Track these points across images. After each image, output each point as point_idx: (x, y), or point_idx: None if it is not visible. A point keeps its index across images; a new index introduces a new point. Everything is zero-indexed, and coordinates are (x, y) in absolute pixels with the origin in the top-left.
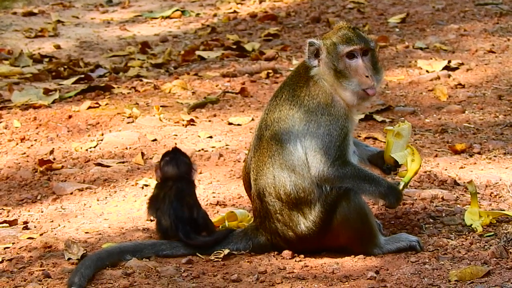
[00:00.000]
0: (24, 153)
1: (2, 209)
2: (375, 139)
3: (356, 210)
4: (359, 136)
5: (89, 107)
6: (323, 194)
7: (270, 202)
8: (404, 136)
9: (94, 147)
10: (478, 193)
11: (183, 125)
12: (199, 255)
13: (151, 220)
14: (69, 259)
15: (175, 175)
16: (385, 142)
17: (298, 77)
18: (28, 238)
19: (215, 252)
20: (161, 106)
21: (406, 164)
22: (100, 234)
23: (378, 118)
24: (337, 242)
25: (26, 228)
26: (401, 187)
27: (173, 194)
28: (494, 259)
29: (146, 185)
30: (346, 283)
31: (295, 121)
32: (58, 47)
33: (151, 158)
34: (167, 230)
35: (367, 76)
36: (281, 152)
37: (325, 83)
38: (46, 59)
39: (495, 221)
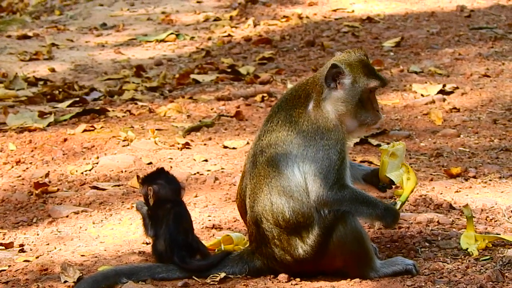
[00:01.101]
0: (20, 176)
1: None
2: (371, 162)
3: (353, 233)
4: (355, 160)
5: (84, 130)
6: (321, 218)
7: (268, 228)
8: (399, 156)
9: (90, 170)
10: (474, 217)
11: (178, 148)
12: (195, 278)
13: (147, 243)
14: (65, 282)
15: (172, 198)
16: (380, 162)
17: (295, 101)
18: (24, 261)
19: (211, 275)
20: (156, 130)
21: (402, 183)
22: (96, 257)
23: (373, 141)
24: (333, 265)
25: (22, 251)
26: (398, 207)
27: (171, 218)
28: (490, 283)
29: None
30: None
31: (293, 146)
32: (52, 70)
33: None
34: (162, 254)
35: (377, 111)
36: (279, 178)
37: (330, 107)
38: (41, 82)
39: (491, 245)
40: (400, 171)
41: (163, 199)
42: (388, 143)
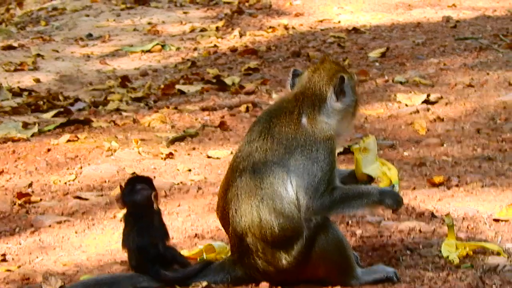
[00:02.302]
0: (3, 186)
1: None
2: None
3: (334, 242)
4: None
5: (68, 141)
6: (308, 229)
7: (252, 242)
8: (371, 149)
9: (73, 180)
10: (455, 225)
11: (162, 158)
12: (177, 287)
13: None
14: None
15: (135, 206)
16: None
17: (286, 116)
18: (6, 271)
19: (193, 284)
20: (140, 140)
21: (383, 175)
22: (78, 266)
23: None
24: (315, 274)
25: (4, 260)
26: (397, 189)
27: (136, 230)
28: None
29: None
30: None
31: (290, 162)
32: (37, 80)
33: None
34: (136, 267)
35: None
36: (272, 195)
37: (327, 119)
38: (26, 93)
39: (472, 253)
40: (376, 164)
41: (130, 209)
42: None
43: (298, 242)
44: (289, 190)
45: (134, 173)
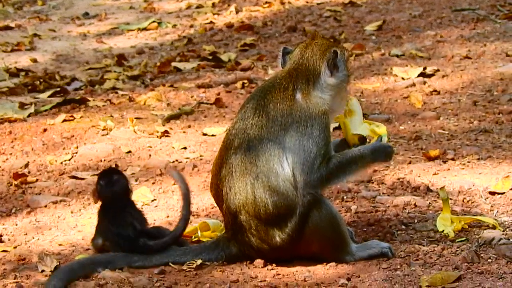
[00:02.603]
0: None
1: None
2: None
3: (328, 218)
4: None
5: (64, 120)
6: (302, 206)
7: (246, 219)
8: (356, 111)
9: (69, 160)
10: (451, 199)
11: (157, 136)
12: (171, 265)
13: None
14: (42, 271)
15: (113, 197)
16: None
17: (280, 92)
18: (2, 251)
19: (187, 262)
20: (135, 118)
21: (372, 134)
22: (73, 246)
23: None
24: (309, 251)
25: (0, 241)
26: (385, 140)
27: (114, 221)
28: (465, 264)
29: None
30: None
31: (285, 139)
32: (34, 60)
33: (125, 170)
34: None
35: None
36: (267, 173)
37: (322, 94)
38: (23, 73)
39: (467, 227)
40: (364, 125)
41: (107, 200)
42: None
43: (292, 220)
44: (285, 167)
45: (129, 151)
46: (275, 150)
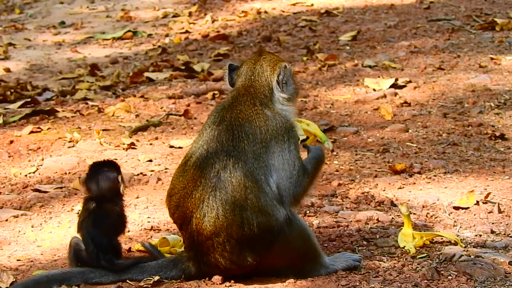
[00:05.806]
0: None
1: None
2: None
3: (298, 232)
4: None
5: (31, 132)
6: (279, 223)
7: (221, 241)
8: None
9: (34, 172)
10: (414, 213)
11: (123, 149)
12: (129, 282)
13: None
14: None
15: (96, 193)
16: None
17: (250, 107)
18: None
19: (145, 279)
20: (103, 130)
21: (305, 133)
22: (32, 261)
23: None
24: (278, 265)
25: None
26: (329, 144)
27: (91, 219)
28: (425, 281)
29: None
30: None
31: (267, 157)
32: (8, 70)
33: None
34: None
35: None
36: (256, 193)
37: (285, 108)
38: None
39: (429, 243)
40: (298, 124)
41: (94, 193)
42: (335, 140)
43: (267, 238)
44: (272, 185)
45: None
46: (261, 169)
